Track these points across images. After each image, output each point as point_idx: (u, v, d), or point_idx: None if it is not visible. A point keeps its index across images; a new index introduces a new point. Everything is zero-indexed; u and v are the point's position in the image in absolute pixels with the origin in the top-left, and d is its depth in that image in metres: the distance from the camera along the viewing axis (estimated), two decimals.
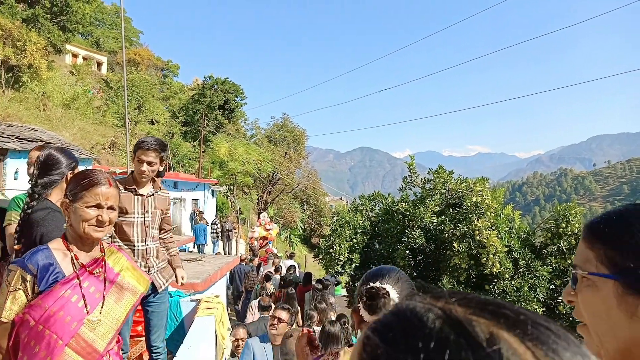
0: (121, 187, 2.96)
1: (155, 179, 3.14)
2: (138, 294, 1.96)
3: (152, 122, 31.76)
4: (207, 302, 4.18)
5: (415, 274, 8.17)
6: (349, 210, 9.63)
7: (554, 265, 7.36)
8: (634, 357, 0.65)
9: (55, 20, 28.17)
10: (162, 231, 3.29)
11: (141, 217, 3.01)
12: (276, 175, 33.48)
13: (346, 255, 8.24)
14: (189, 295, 4.31)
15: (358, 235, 8.54)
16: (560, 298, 7.11)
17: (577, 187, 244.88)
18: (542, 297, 6.97)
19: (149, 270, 3.03)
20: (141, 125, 29.93)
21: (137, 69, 38.43)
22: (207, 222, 17.09)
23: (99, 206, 1.76)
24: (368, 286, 1.49)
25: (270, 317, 3.93)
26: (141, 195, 3.02)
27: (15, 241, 2.16)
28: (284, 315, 3.83)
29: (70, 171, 2.43)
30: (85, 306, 1.71)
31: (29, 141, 9.40)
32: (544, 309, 7.04)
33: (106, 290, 1.82)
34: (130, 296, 1.91)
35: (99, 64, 40.19)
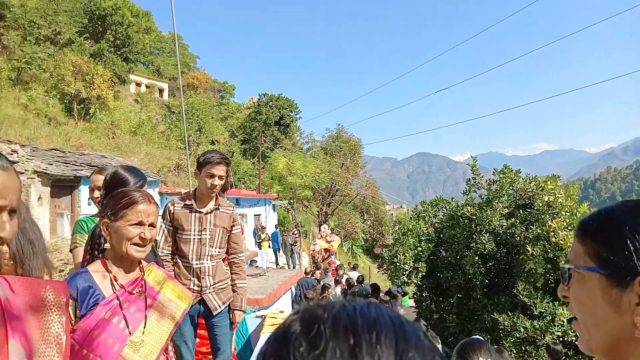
0: (180, 204, 2.98)
1: (219, 194, 3.10)
2: (181, 310, 1.91)
3: (212, 143, 32.89)
4: (273, 317, 4.11)
5: (487, 281, 7.74)
6: (410, 218, 9.34)
7: None
8: (621, 348, 0.69)
9: (118, 53, 30.06)
10: (232, 254, 3.15)
11: (197, 235, 2.95)
12: (334, 186, 33.50)
13: (411, 264, 7.97)
14: (254, 311, 4.27)
15: (422, 243, 8.24)
16: None
17: None
18: None
19: (201, 290, 2.95)
20: (203, 147, 31.04)
21: (196, 92, 39.99)
22: (268, 237, 17.40)
23: (140, 224, 1.75)
24: None
25: None
26: (199, 212, 2.97)
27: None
28: None
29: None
30: (127, 327, 1.68)
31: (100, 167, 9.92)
32: None
33: (147, 309, 1.79)
34: (173, 313, 1.87)
35: (161, 91, 42.22)
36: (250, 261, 13.92)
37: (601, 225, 0.73)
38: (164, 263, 2.83)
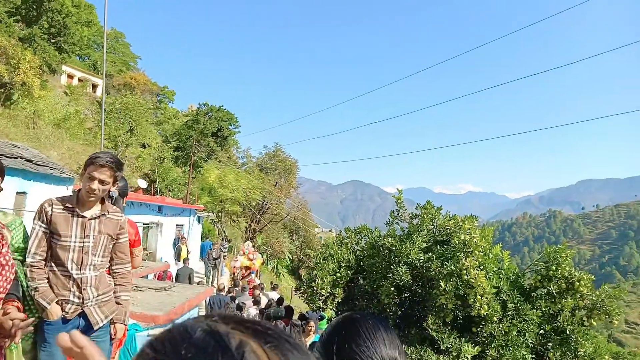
0: (60, 206, 2.64)
1: (105, 200, 2.81)
2: None
3: (143, 146, 31.62)
4: None
5: (400, 312, 7.82)
6: (334, 243, 9.32)
7: (543, 309, 7.06)
8: None
9: (52, 41, 28.31)
10: (117, 264, 2.88)
11: (79, 242, 2.64)
12: (266, 204, 33.16)
13: (328, 289, 7.88)
14: (148, 329, 3.93)
15: (342, 269, 8.20)
16: (550, 344, 6.81)
17: (566, 230, 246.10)
18: (531, 342, 6.63)
19: (83, 302, 2.65)
20: (132, 149, 29.75)
21: (133, 93, 38.46)
22: (188, 249, 16.82)
23: None
24: None
25: None
26: (82, 216, 2.66)
27: None
28: None
29: None
30: None
31: (8, 157, 9.11)
32: (533, 355, 6.69)
33: None
34: None
35: (95, 86, 40.29)
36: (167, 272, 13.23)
37: (327, 333, 1.05)
38: (34, 271, 2.51)
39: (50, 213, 2.61)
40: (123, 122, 29.12)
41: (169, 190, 29.25)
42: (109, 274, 2.90)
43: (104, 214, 2.75)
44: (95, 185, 2.59)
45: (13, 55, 20.88)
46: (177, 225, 18.13)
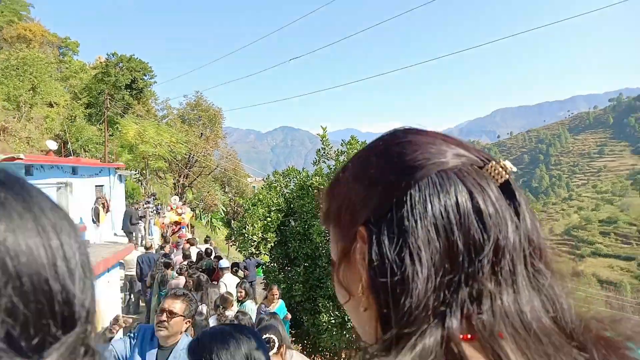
0: None
1: None
2: None
3: (50, 105, 29.07)
4: None
5: None
6: (262, 188, 9.16)
7: None
8: None
9: None
10: None
11: None
12: (192, 157, 32.11)
13: (260, 235, 7.80)
14: None
15: (272, 213, 8.11)
16: None
17: None
18: None
19: None
20: (38, 108, 27.25)
21: (29, 46, 34.71)
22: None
23: None
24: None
25: (160, 309, 2.65)
26: None
27: None
28: (177, 306, 2.61)
29: None
30: None
31: None
32: None
33: None
34: None
35: None
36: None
37: None
38: None
39: None
40: (23, 80, 26.41)
41: (85, 151, 27.42)
42: None
43: None
44: None
45: None
46: (96, 186, 17.02)
